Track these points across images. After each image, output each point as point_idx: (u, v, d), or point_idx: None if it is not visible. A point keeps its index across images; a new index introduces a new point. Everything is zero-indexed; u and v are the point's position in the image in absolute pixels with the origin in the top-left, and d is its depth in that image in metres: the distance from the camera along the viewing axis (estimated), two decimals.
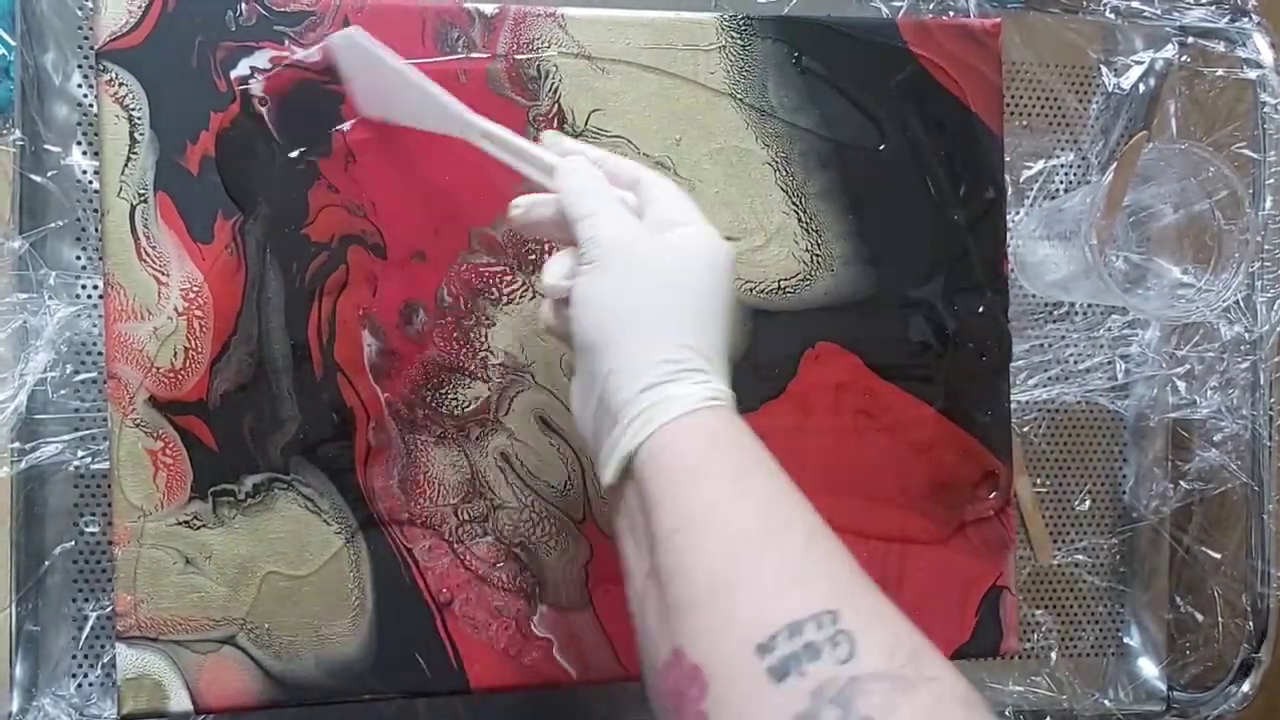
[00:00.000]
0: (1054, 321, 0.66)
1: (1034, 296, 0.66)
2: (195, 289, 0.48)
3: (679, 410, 0.37)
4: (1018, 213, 0.65)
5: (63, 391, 0.54)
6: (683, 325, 0.39)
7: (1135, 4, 0.65)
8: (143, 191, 0.48)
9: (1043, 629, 0.66)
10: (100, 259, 0.51)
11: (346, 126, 0.50)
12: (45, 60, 0.54)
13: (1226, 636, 0.65)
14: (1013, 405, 0.58)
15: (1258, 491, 0.65)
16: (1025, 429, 0.66)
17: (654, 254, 0.40)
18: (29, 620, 0.54)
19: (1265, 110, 0.65)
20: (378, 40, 0.47)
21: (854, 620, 0.31)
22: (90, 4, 0.54)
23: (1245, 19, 0.65)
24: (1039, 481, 0.67)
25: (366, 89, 0.48)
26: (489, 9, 0.51)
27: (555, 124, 0.52)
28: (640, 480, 0.37)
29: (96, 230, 0.54)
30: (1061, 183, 0.67)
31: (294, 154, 0.49)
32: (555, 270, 0.42)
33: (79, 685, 0.55)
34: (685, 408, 0.37)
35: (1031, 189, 0.66)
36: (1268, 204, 0.64)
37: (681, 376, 0.38)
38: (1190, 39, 0.66)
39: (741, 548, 0.34)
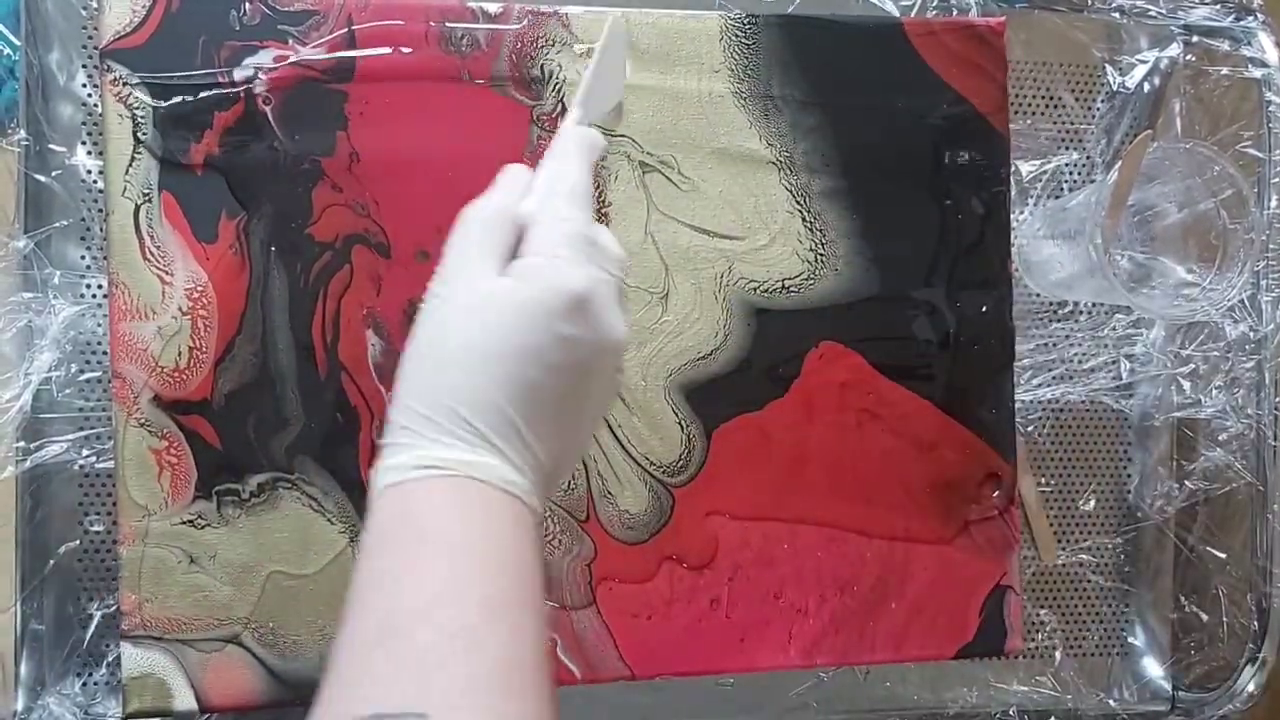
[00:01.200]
0: (1058, 320, 0.66)
1: (1038, 295, 0.66)
2: (199, 288, 0.49)
3: (387, 479, 0.34)
4: (1022, 212, 0.65)
5: (67, 391, 0.54)
6: (416, 382, 0.35)
7: (1140, 3, 0.65)
8: (147, 191, 0.48)
9: (1047, 629, 0.66)
10: (105, 258, 0.51)
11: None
12: (50, 60, 0.55)
13: (1231, 636, 0.65)
14: (1017, 404, 0.58)
15: (1262, 491, 0.64)
16: (1029, 428, 0.66)
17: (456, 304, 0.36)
18: (34, 619, 0.54)
19: (1270, 109, 0.65)
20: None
21: None
22: (94, 3, 0.54)
23: (1250, 18, 0.65)
24: (1043, 481, 0.66)
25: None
26: (493, 7, 0.51)
27: (558, 122, 0.52)
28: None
29: (101, 230, 0.55)
30: (1066, 182, 0.67)
31: (297, 153, 0.49)
32: None
33: (84, 684, 0.55)
34: (389, 478, 0.34)
35: (1036, 188, 0.66)
36: (1273, 203, 0.64)
37: (393, 438, 0.35)
38: (1195, 38, 0.66)
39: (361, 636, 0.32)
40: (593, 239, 0.37)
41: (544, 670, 0.33)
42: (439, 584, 0.32)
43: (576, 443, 0.39)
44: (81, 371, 0.55)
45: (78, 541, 0.55)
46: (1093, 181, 0.67)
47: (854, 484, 0.54)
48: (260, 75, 0.49)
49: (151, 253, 0.48)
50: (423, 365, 0.36)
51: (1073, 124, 0.67)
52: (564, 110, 0.52)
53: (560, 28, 0.52)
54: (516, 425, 0.35)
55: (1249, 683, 0.64)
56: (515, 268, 0.36)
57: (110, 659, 0.55)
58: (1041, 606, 0.66)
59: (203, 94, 0.49)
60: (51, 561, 0.54)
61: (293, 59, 0.49)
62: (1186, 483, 0.66)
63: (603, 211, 0.52)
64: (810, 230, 0.54)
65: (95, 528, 0.55)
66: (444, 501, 0.34)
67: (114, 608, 0.54)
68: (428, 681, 0.30)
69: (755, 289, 0.54)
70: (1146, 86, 0.67)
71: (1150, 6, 0.65)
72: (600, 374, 0.37)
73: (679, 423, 0.53)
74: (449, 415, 0.34)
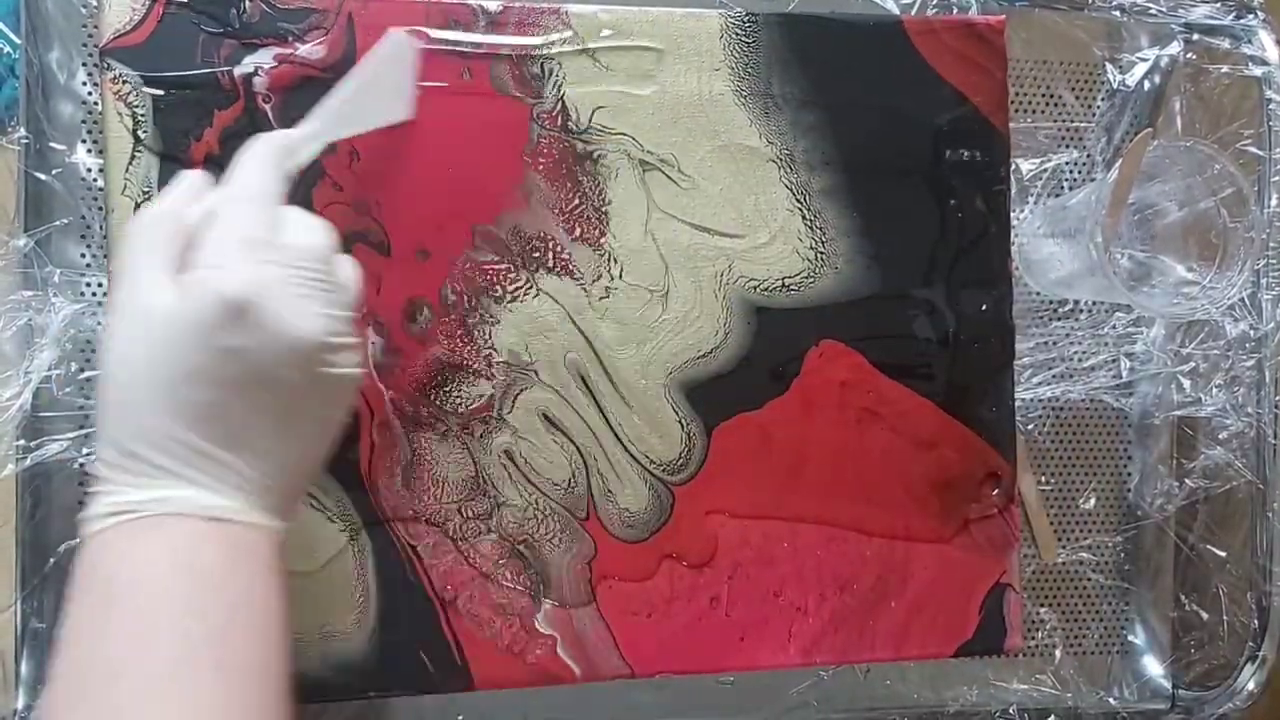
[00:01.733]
0: (1058, 319, 0.66)
1: (1038, 294, 0.66)
2: None
3: (86, 530, 0.34)
4: (1022, 210, 0.65)
5: (68, 389, 0.54)
6: (102, 422, 0.34)
7: (1140, 1, 0.65)
8: (147, 189, 0.48)
9: (1047, 627, 0.66)
10: (105, 257, 0.51)
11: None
12: (50, 58, 0.55)
13: (1231, 634, 0.65)
14: (1017, 403, 0.58)
15: (1263, 489, 0.64)
16: (1030, 427, 0.66)
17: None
18: (34, 617, 0.54)
19: (1271, 108, 0.65)
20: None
21: None
22: (94, 2, 0.54)
23: (1250, 16, 0.65)
24: (1043, 479, 0.67)
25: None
26: (493, 5, 0.51)
27: (558, 121, 0.52)
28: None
29: (101, 228, 0.55)
30: (1066, 180, 0.67)
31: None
32: None
33: None
34: (87, 529, 0.34)
35: (1036, 186, 0.66)
36: (1273, 201, 0.64)
37: (91, 485, 0.34)
38: (1195, 36, 0.66)
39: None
40: (266, 239, 0.35)
41: (263, 702, 0.33)
42: (127, 637, 0.32)
43: (307, 449, 0.37)
44: (81, 370, 0.55)
45: (78, 540, 0.55)
46: (1093, 180, 0.67)
47: (854, 483, 0.54)
48: (260, 73, 0.49)
49: None
50: (103, 401, 0.34)
51: (1073, 122, 0.67)
52: (564, 108, 0.52)
53: (560, 25, 0.52)
54: (204, 451, 0.33)
55: (1249, 681, 0.64)
56: (179, 281, 0.34)
57: None
58: (1042, 605, 0.66)
59: (203, 92, 0.49)
60: (52, 560, 0.54)
61: (293, 55, 0.49)
62: (1186, 481, 0.66)
63: (602, 210, 0.52)
64: (810, 228, 0.54)
65: None
66: (134, 546, 0.33)
67: None
68: None
69: (755, 287, 0.54)
70: (1147, 85, 0.67)
71: (1151, 5, 0.65)
72: (299, 378, 0.35)
73: (679, 421, 0.53)
74: (129, 456, 0.33)
